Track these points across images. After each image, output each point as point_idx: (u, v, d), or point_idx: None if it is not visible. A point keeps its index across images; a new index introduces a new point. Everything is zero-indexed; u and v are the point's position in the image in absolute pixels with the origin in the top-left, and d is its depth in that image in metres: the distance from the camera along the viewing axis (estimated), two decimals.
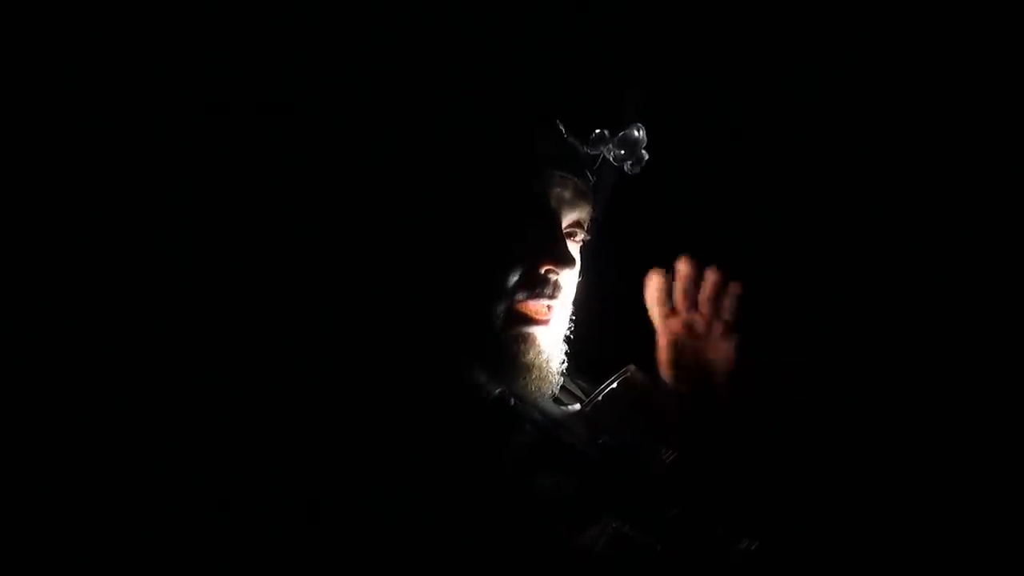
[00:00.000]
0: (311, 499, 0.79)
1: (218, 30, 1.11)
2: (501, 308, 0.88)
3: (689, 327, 0.99)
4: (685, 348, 0.99)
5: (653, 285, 0.99)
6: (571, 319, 0.95)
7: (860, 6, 1.21)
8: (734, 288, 0.96)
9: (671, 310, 0.99)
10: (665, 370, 1.00)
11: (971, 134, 1.22)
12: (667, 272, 0.99)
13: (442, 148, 0.92)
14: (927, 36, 1.22)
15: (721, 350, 0.96)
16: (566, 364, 0.93)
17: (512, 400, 0.89)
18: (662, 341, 1.00)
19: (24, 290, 0.98)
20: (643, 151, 0.90)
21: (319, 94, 1.06)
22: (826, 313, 1.13)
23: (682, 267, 0.98)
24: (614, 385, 0.87)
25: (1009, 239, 1.19)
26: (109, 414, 0.91)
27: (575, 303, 0.95)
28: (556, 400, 0.96)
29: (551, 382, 0.91)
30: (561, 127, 0.91)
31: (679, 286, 0.98)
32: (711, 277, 0.96)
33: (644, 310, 0.94)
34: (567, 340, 0.94)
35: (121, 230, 1.04)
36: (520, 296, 0.89)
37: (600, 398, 0.87)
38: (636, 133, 0.90)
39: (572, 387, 0.99)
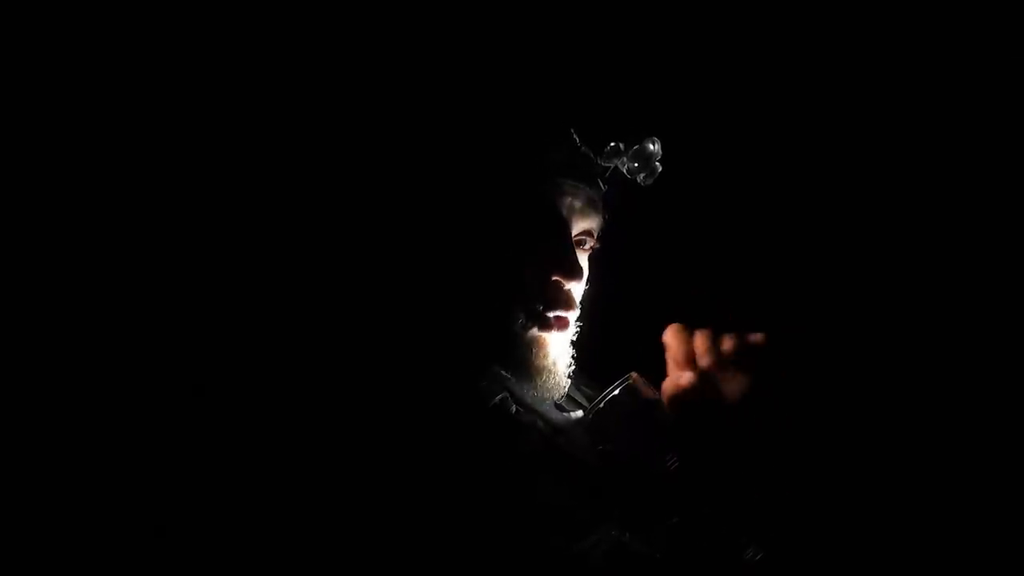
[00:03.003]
0: (312, 500, 0.78)
1: (230, 35, 1.12)
2: (519, 315, 0.89)
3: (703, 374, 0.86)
4: (694, 391, 0.85)
5: (673, 340, 0.86)
6: (577, 324, 0.95)
7: (877, 15, 1.27)
8: (755, 338, 0.84)
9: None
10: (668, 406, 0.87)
11: (971, 135, 1.27)
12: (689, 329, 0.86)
13: (455, 156, 0.93)
14: (928, 37, 1.27)
15: (732, 389, 0.84)
16: (573, 367, 0.94)
17: (514, 407, 0.88)
18: (672, 384, 0.86)
19: (27, 291, 0.98)
20: (657, 163, 0.92)
21: (335, 104, 1.07)
22: (829, 319, 1.14)
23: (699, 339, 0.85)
24: (616, 392, 0.86)
25: (1009, 239, 1.22)
26: (117, 414, 0.89)
27: (582, 309, 0.95)
28: (559, 407, 0.95)
29: (560, 384, 0.92)
30: (575, 137, 0.93)
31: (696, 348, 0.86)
32: (727, 343, 0.84)
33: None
34: (573, 344, 0.94)
35: (146, 234, 1.03)
36: (537, 306, 0.90)
37: (602, 405, 0.86)
38: (651, 146, 0.92)
39: (576, 394, 0.99)
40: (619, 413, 0.86)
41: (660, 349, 0.86)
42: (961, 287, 1.22)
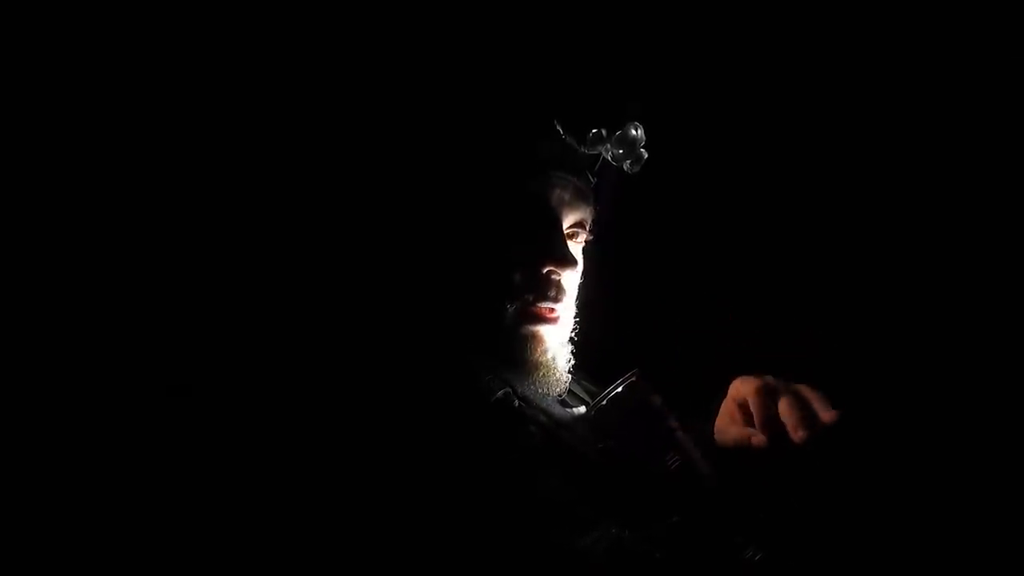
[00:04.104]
0: (312, 498, 0.79)
1: (226, 34, 1.12)
2: (508, 309, 0.89)
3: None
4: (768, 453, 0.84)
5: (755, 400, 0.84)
6: (575, 319, 0.94)
7: (859, 7, 1.13)
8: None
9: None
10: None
11: (971, 135, 1.14)
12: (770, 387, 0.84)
13: (442, 150, 0.92)
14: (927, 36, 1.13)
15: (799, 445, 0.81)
16: (573, 363, 0.93)
17: (516, 402, 0.89)
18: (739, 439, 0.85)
19: (28, 292, 1.01)
20: (642, 150, 0.88)
21: (323, 98, 1.06)
22: (825, 314, 1.08)
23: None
24: (619, 389, 0.86)
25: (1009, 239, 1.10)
26: (118, 414, 0.95)
27: (579, 304, 0.94)
28: (562, 403, 0.96)
29: (559, 380, 0.92)
30: (559, 127, 0.89)
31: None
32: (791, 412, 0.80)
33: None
34: (572, 340, 0.94)
35: (152, 234, 1.08)
36: (527, 298, 0.89)
37: (605, 402, 0.86)
38: (634, 132, 0.87)
39: (578, 390, 0.99)
40: (621, 410, 0.86)
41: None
42: (964, 287, 1.10)
